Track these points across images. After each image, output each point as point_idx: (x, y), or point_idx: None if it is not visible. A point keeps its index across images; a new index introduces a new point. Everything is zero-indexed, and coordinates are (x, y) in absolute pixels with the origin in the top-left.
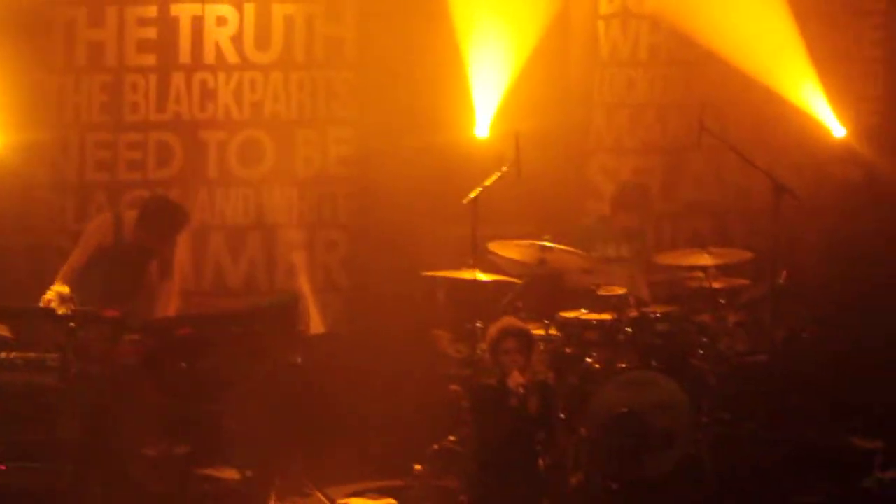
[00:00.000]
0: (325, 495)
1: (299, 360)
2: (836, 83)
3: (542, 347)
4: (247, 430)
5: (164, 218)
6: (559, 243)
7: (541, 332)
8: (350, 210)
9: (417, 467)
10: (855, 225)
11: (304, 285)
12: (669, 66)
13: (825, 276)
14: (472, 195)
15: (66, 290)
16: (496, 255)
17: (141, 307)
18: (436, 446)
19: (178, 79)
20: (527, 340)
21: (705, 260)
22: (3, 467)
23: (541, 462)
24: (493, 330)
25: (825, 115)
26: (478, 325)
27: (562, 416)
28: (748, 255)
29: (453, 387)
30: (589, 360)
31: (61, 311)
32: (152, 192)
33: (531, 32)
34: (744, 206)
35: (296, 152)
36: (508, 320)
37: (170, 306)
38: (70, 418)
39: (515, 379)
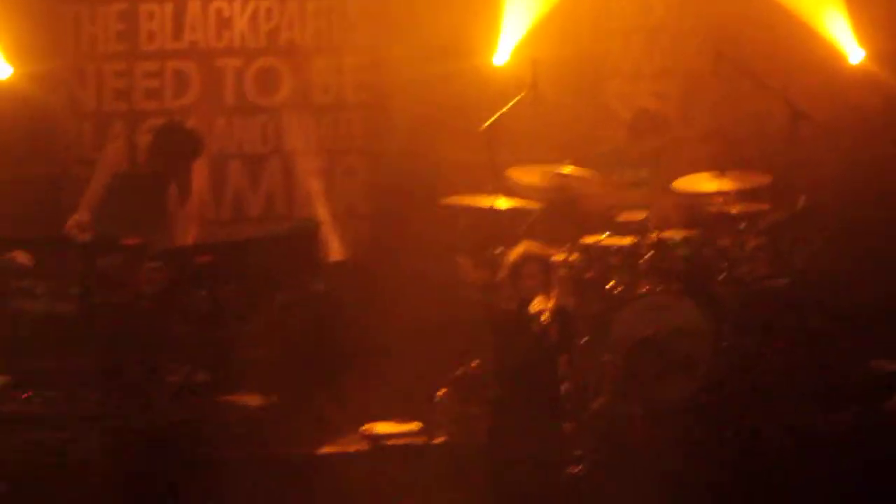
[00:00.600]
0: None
1: (321, 286)
2: (854, 7)
3: (562, 272)
4: (269, 357)
5: (175, 143)
6: (579, 169)
7: (561, 257)
8: (368, 136)
9: (440, 393)
10: (872, 149)
11: (324, 212)
12: None
13: (843, 200)
14: (490, 121)
15: (85, 218)
16: (515, 181)
17: (161, 234)
18: (458, 372)
19: (193, 7)
20: (547, 265)
21: (724, 185)
22: (27, 395)
23: (562, 387)
24: (513, 255)
25: (843, 39)
26: (498, 250)
27: (583, 341)
28: (766, 178)
29: (475, 312)
30: (610, 284)
31: (81, 239)
32: (166, 118)
33: None
34: (761, 131)
35: (312, 79)
36: (528, 245)
37: (189, 233)
38: (91, 346)
39: (538, 305)
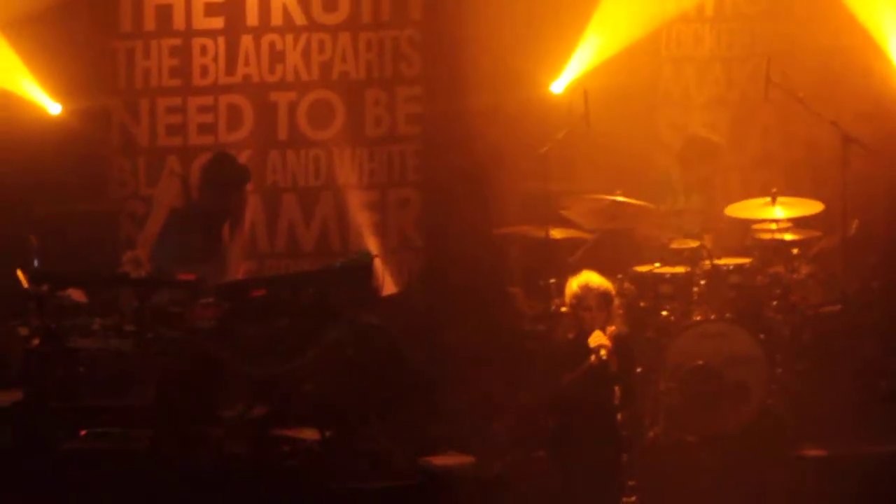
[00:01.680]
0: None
1: (375, 319)
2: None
3: (617, 302)
4: (323, 391)
5: (223, 173)
6: (630, 198)
7: (615, 286)
8: (420, 168)
9: (495, 425)
10: None
11: (377, 245)
12: (735, 20)
13: (894, 225)
14: (543, 151)
15: (140, 254)
16: (568, 210)
17: (214, 269)
18: (513, 404)
19: (246, 41)
20: (607, 297)
21: (776, 212)
22: (83, 432)
23: (619, 417)
24: (575, 285)
25: (891, 64)
26: (551, 280)
27: (638, 370)
28: (818, 205)
29: (529, 343)
30: (664, 313)
31: (136, 275)
32: (216, 151)
33: None
34: (812, 158)
35: (365, 112)
36: (590, 276)
37: (240, 267)
38: (146, 383)
39: (597, 339)
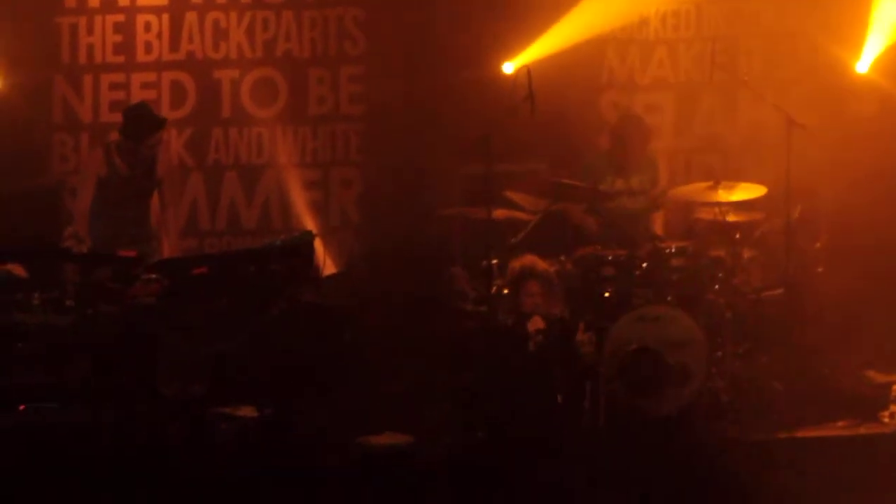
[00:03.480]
0: None
1: (316, 299)
2: (849, 16)
3: (555, 284)
4: (263, 369)
5: (136, 115)
6: (573, 180)
7: (556, 267)
8: (363, 148)
9: (435, 406)
10: (868, 158)
11: (319, 224)
12: (680, 2)
13: (838, 210)
14: (486, 131)
15: (81, 230)
16: (511, 191)
17: (154, 246)
18: (453, 384)
19: (190, 18)
20: (549, 283)
21: (719, 195)
22: (22, 407)
23: (559, 399)
24: (516, 268)
25: (837, 47)
26: (493, 262)
27: (581, 352)
28: (762, 189)
29: (470, 324)
30: (605, 295)
31: (77, 251)
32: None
33: None
34: (756, 141)
35: (308, 91)
36: (531, 260)
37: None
38: (85, 359)
39: (536, 324)
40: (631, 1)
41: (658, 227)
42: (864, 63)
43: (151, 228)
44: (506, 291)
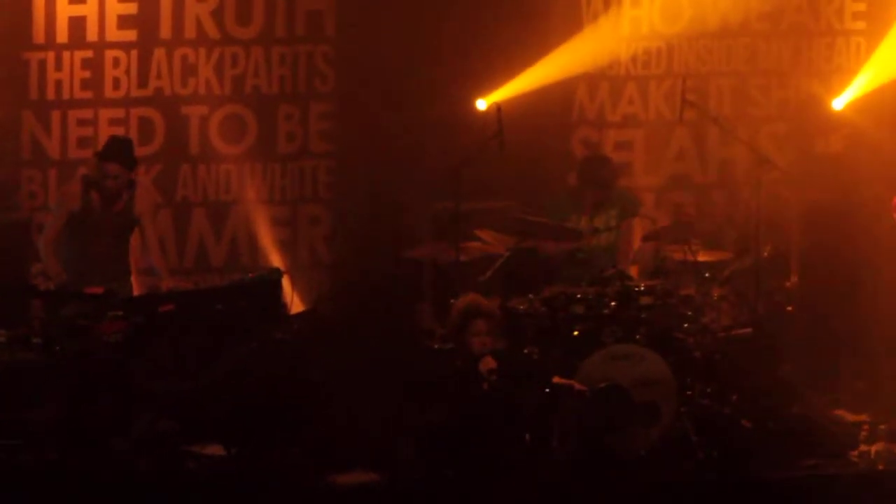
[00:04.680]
0: None
1: (284, 336)
2: (818, 56)
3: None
4: (231, 407)
5: (108, 144)
6: (542, 217)
7: (525, 306)
8: (332, 185)
9: (402, 442)
10: (838, 196)
11: (287, 262)
12: (651, 39)
13: (809, 249)
14: (455, 169)
15: (48, 263)
16: (480, 229)
17: (125, 284)
18: (420, 422)
19: (159, 54)
20: (496, 320)
21: (689, 233)
22: None
23: (526, 437)
24: (457, 310)
25: (807, 85)
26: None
27: (546, 390)
28: (731, 227)
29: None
30: (574, 334)
31: (44, 287)
32: None
33: (514, 4)
34: (727, 179)
35: (277, 127)
36: (474, 299)
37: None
38: (53, 396)
39: (487, 364)
40: (604, 40)
41: (629, 263)
42: (840, 101)
43: (127, 266)
44: (450, 333)
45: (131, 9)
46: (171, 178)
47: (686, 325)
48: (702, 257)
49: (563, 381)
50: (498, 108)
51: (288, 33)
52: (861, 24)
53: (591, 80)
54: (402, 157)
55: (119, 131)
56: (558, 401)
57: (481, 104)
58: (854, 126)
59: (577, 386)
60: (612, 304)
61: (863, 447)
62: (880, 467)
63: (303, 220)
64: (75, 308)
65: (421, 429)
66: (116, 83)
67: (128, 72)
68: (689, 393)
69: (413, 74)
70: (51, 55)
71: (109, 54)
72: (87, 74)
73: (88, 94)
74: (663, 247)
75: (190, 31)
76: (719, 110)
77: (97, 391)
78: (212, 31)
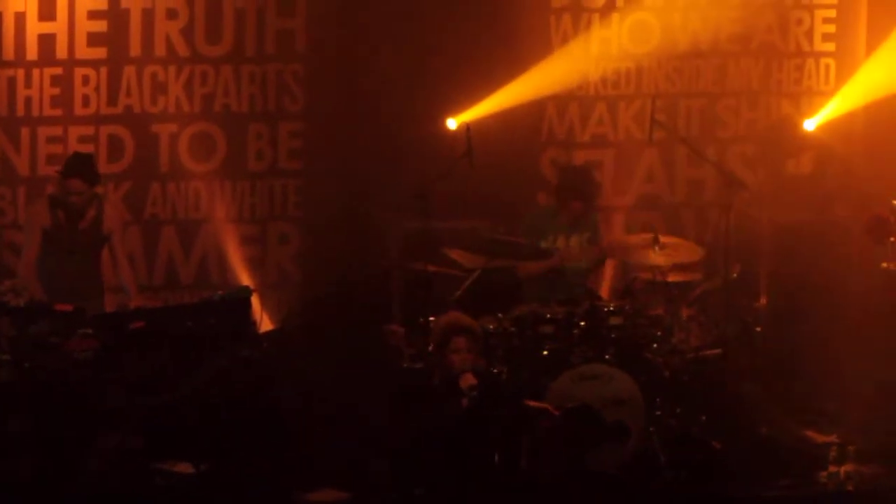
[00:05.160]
0: None
1: (252, 353)
2: (788, 77)
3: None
4: (199, 424)
5: (70, 161)
6: (512, 236)
7: (494, 325)
8: (301, 204)
9: (372, 462)
10: (808, 217)
11: (256, 280)
12: (620, 59)
13: (777, 270)
14: (425, 188)
15: (19, 283)
16: (450, 248)
17: (98, 301)
18: (391, 440)
19: (129, 72)
20: (477, 337)
21: (657, 253)
22: None
23: (496, 456)
24: (440, 327)
25: (777, 106)
26: (431, 319)
27: (516, 410)
28: (700, 248)
29: (407, 381)
30: (543, 353)
31: (13, 304)
32: None
33: (483, 25)
34: (695, 199)
35: (247, 146)
36: (456, 317)
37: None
38: (23, 413)
39: (468, 381)
40: (574, 61)
41: (601, 285)
42: (812, 123)
43: (99, 283)
44: (431, 350)
45: (101, 26)
46: (140, 196)
47: (655, 346)
48: (671, 277)
49: (536, 404)
50: (467, 128)
51: (258, 52)
52: (830, 46)
53: (561, 100)
54: (372, 175)
55: (88, 149)
56: (529, 421)
57: (451, 123)
58: (824, 147)
59: (552, 410)
60: (582, 323)
61: (832, 468)
62: (850, 488)
63: (272, 239)
64: (45, 325)
65: (392, 447)
66: (86, 100)
67: (97, 89)
68: (658, 413)
69: (382, 94)
70: (20, 72)
71: (79, 72)
72: (56, 91)
73: (58, 112)
74: (631, 266)
75: (160, 49)
76: (689, 131)
77: (66, 408)
78: (182, 49)
